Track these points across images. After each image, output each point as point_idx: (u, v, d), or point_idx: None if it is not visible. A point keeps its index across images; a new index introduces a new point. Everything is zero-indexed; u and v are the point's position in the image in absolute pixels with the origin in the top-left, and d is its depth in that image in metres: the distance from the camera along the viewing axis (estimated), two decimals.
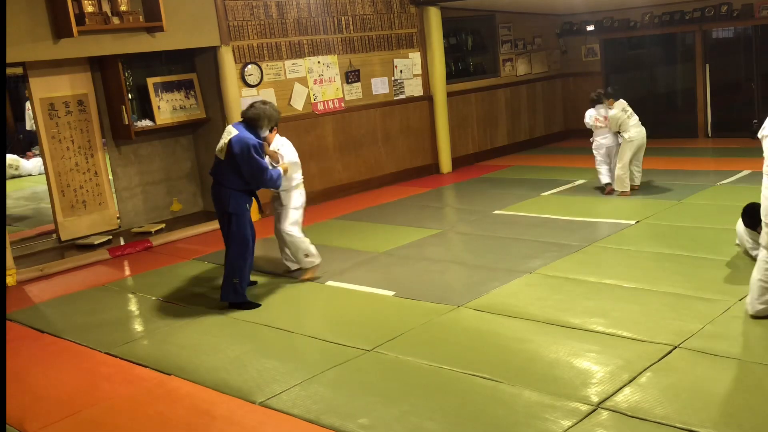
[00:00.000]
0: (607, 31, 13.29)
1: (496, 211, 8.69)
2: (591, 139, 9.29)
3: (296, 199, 6.64)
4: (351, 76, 10.56)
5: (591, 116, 9.14)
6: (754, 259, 6.00)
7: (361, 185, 10.73)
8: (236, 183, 6.00)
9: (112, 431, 4.29)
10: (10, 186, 13.26)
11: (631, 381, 4.21)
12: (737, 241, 6.29)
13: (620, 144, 8.97)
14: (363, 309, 5.94)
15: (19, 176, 15.13)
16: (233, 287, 6.07)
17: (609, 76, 13.47)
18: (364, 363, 4.84)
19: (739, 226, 6.12)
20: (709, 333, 4.77)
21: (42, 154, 8.56)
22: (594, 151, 9.21)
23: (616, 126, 8.90)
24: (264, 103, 6.23)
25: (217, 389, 4.63)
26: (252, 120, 6.10)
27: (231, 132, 6.04)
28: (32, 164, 15.44)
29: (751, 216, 5.87)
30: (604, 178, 9.16)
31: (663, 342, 4.68)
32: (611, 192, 9.07)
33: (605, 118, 9.01)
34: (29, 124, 14.73)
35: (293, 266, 6.88)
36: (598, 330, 4.98)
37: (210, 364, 5.02)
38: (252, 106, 6.18)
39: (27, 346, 5.74)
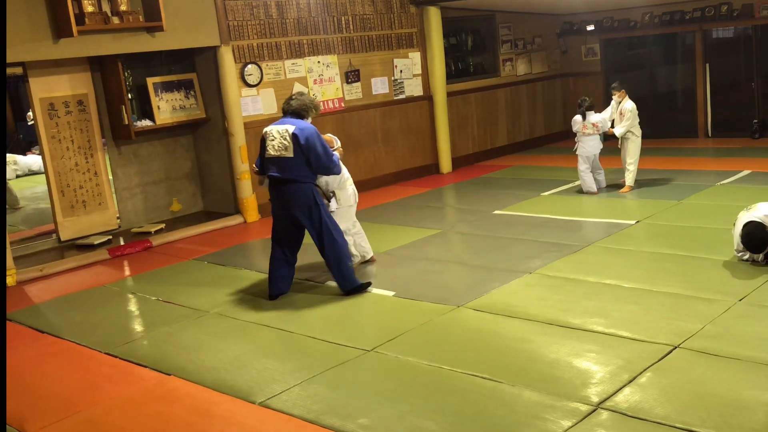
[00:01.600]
0: (607, 31, 13.28)
1: (496, 211, 8.69)
2: (575, 148, 9.17)
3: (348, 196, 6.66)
4: (351, 75, 10.55)
5: (579, 122, 9.06)
6: (744, 262, 6.02)
7: (361, 185, 10.68)
8: (312, 176, 6.03)
9: (112, 431, 4.29)
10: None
11: (631, 381, 4.21)
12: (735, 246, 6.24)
13: (627, 141, 9.00)
14: (363, 309, 5.94)
15: (24, 175, 15.09)
16: (350, 271, 6.14)
17: (609, 76, 13.46)
18: (364, 363, 4.84)
19: (735, 231, 6.09)
20: (709, 333, 4.78)
21: (42, 154, 8.56)
22: (582, 158, 9.08)
23: (628, 120, 8.88)
24: (301, 94, 6.23)
25: (217, 389, 4.63)
26: (299, 110, 6.08)
27: (285, 128, 5.95)
28: (32, 159, 15.35)
29: (748, 237, 5.84)
30: (593, 186, 9.12)
31: (663, 342, 4.68)
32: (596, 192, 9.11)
33: (594, 125, 8.97)
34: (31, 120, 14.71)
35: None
36: (598, 330, 4.98)
37: (210, 364, 5.02)
38: (292, 98, 6.16)
39: (27, 346, 5.75)
